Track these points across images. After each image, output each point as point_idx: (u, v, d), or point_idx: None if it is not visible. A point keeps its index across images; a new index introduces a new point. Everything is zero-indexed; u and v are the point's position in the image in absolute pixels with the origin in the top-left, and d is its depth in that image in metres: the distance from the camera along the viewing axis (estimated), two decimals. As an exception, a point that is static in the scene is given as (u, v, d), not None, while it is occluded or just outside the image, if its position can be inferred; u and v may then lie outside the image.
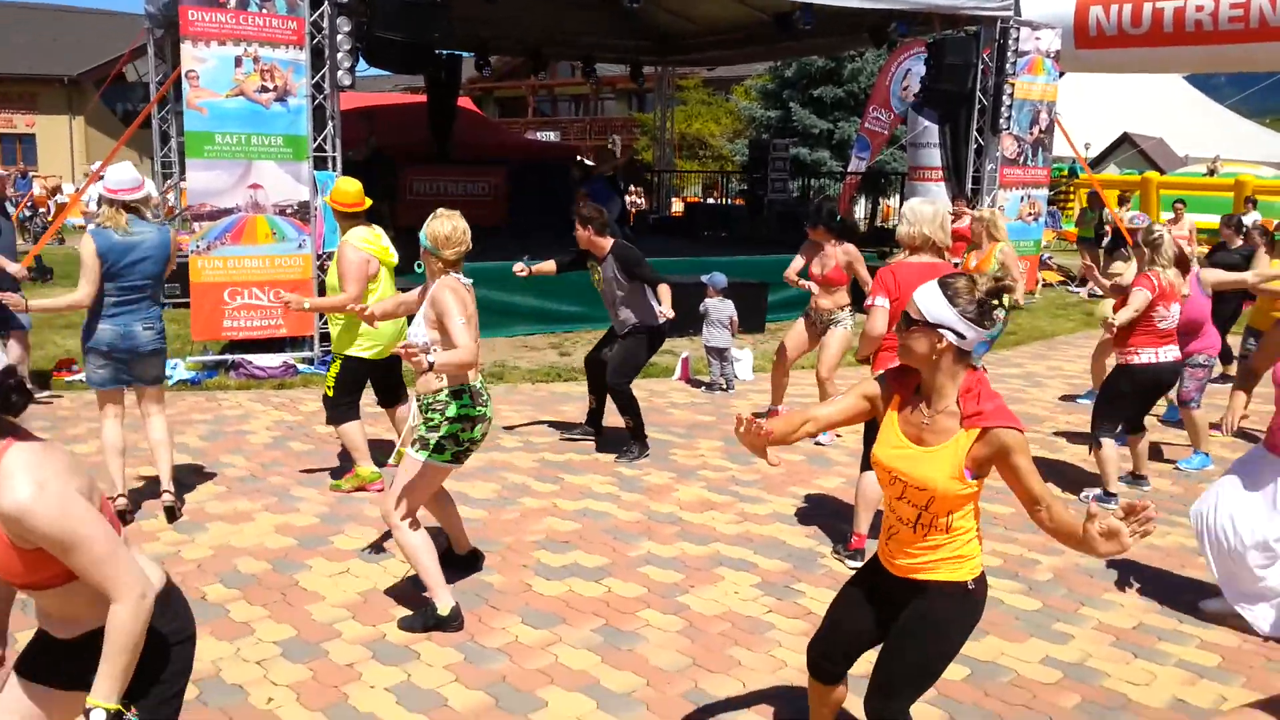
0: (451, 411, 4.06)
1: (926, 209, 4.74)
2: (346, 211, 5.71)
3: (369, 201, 5.82)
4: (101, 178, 5.17)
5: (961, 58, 12.86)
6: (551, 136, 40.29)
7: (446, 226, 4.08)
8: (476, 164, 17.27)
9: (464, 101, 19.60)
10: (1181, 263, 5.78)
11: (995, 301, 2.62)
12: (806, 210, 7.24)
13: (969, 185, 13.42)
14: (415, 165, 16.56)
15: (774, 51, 18.68)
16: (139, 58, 14.32)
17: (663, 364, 9.60)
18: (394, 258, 5.78)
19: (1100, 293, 7.44)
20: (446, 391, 4.08)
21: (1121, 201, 18.92)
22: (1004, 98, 13.03)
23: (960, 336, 2.61)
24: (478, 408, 4.07)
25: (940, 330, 2.61)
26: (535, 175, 17.41)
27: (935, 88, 13.08)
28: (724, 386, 8.77)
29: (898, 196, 21.75)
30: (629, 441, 6.65)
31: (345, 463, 6.24)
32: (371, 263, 5.53)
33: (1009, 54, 12.90)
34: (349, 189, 5.73)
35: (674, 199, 23.73)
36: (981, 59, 12.97)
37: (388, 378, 5.89)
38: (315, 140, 9.06)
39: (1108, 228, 17.16)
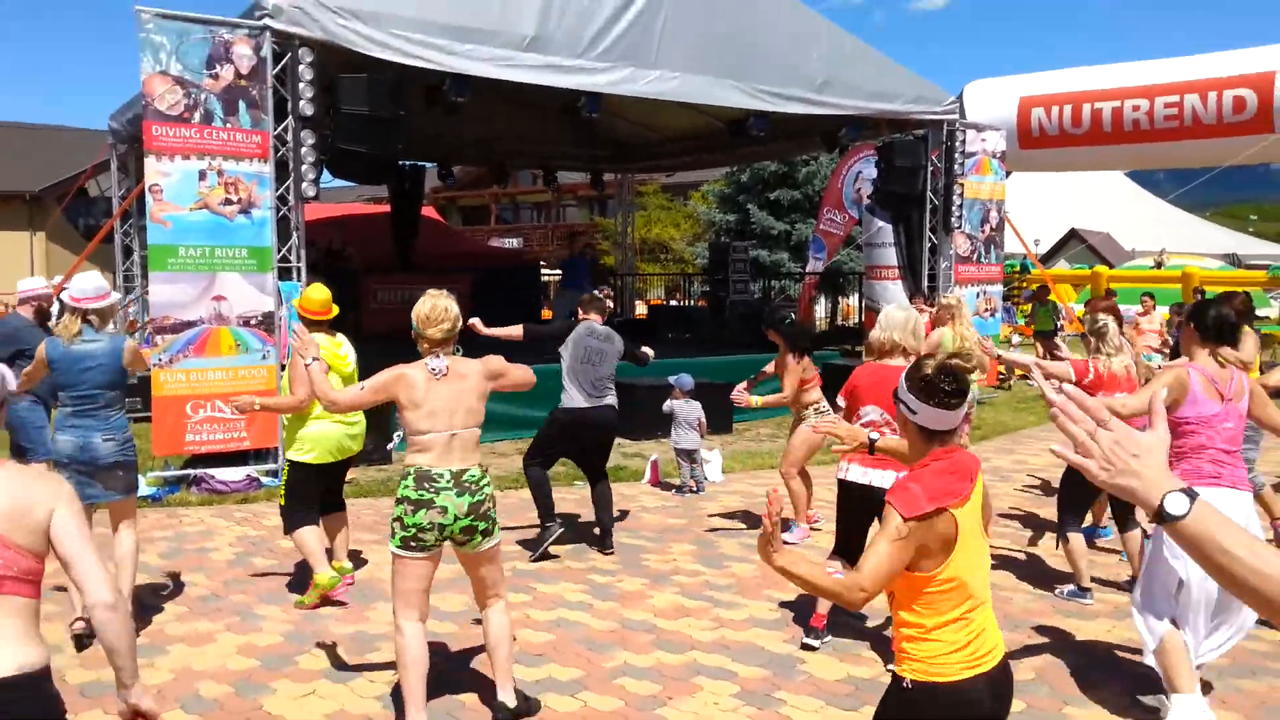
0: (399, 491, 4.03)
1: (898, 315, 4.91)
2: (312, 319, 5.73)
3: (336, 309, 5.84)
4: (65, 289, 5.23)
5: (911, 160, 13.30)
6: (514, 243, 40.82)
7: (426, 305, 4.11)
8: (440, 272, 17.39)
9: (428, 210, 19.89)
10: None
11: (945, 376, 2.66)
12: (763, 312, 7.43)
13: (925, 283, 13.73)
14: (379, 274, 16.66)
15: (730, 157, 19.24)
16: (102, 173, 14.36)
17: (632, 467, 9.55)
18: (349, 366, 5.76)
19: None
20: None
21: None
22: (954, 197, 13.45)
23: (911, 410, 2.68)
24: (421, 492, 3.96)
25: (898, 404, 2.74)
26: (499, 281, 17.58)
27: (887, 189, 13.48)
28: (694, 489, 8.72)
29: (856, 295, 22.17)
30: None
31: (308, 575, 6.09)
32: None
33: (957, 155, 13.37)
34: (316, 296, 5.75)
35: (638, 302, 24.00)
36: (930, 160, 13.43)
37: (330, 485, 5.82)
38: (280, 251, 9.11)
39: (1063, 322, 17.57)
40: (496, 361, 4.29)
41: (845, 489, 4.92)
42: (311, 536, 5.63)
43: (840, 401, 4.84)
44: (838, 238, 18.09)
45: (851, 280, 24.11)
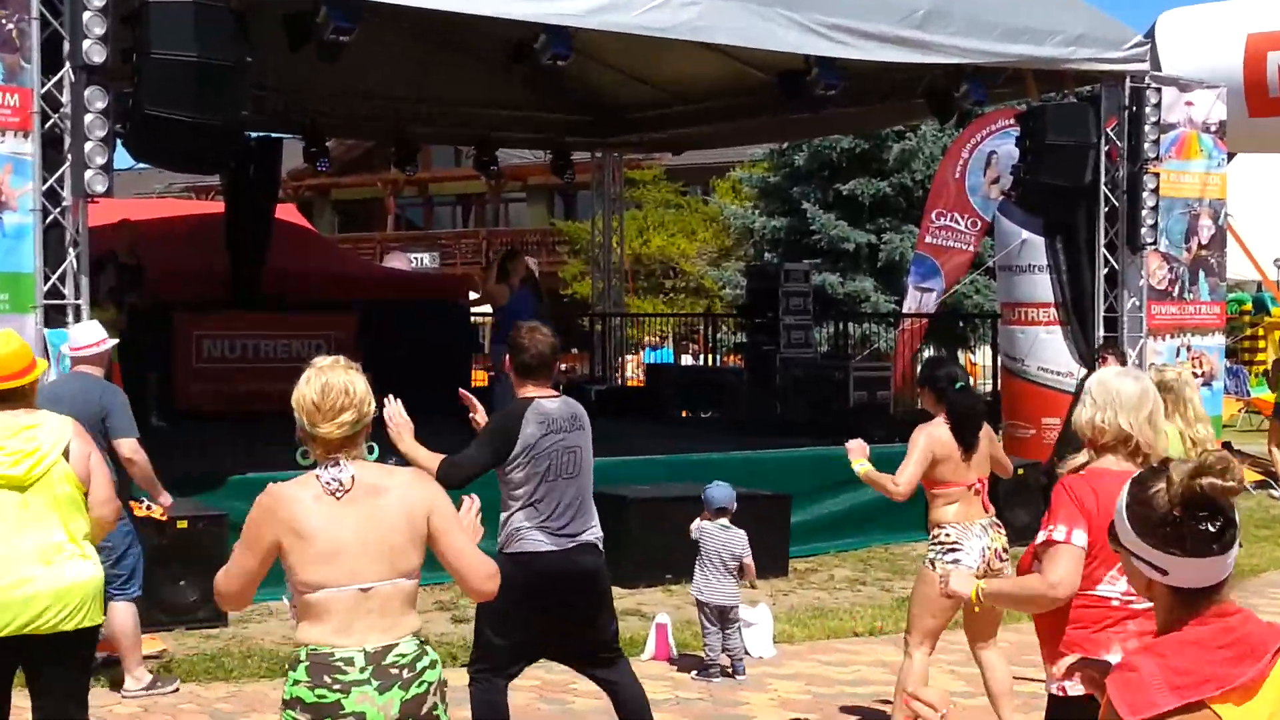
0: (286, 688, 4.06)
1: (1130, 387, 4.75)
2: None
3: (36, 373, 5.69)
4: None
5: (1072, 135, 13.41)
6: (426, 261, 41.12)
7: (314, 385, 4.13)
8: (305, 309, 17.38)
9: (284, 211, 19.94)
10: None
11: (1201, 509, 2.69)
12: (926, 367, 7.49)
13: (1098, 330, 13.75)
14: (204, 315, 16.64)
15: (778, 127, 19.39)
16: None
17: (627, 633, 9.46)
18: (18, 470, 5.55)
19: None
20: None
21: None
22: (1144, 194, 13.57)
23: (1155, 568, 2.73)
24: (319, 690, 3.97)
25: (1122, 551, 2.82)
26: (403, 325, 17.57)
27: (1034, 180, 13.58)
28: (729, 669, 8.64)
29: (987, 348, 22.25)
30: None
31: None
32: None
33: (1147, 127, 13.50)
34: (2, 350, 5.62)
35: (627, 358, 24.06)
36: (1105, 135, 13.55)
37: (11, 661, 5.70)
38: (48, 280, 9.11)
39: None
40: (437, 492, 4.27)
41: (1064, 708, 4.74)
42: None
43: (1076, 536, 4.57)
44: (961, 257, 18.21)
45: (978, 325, 24.22)
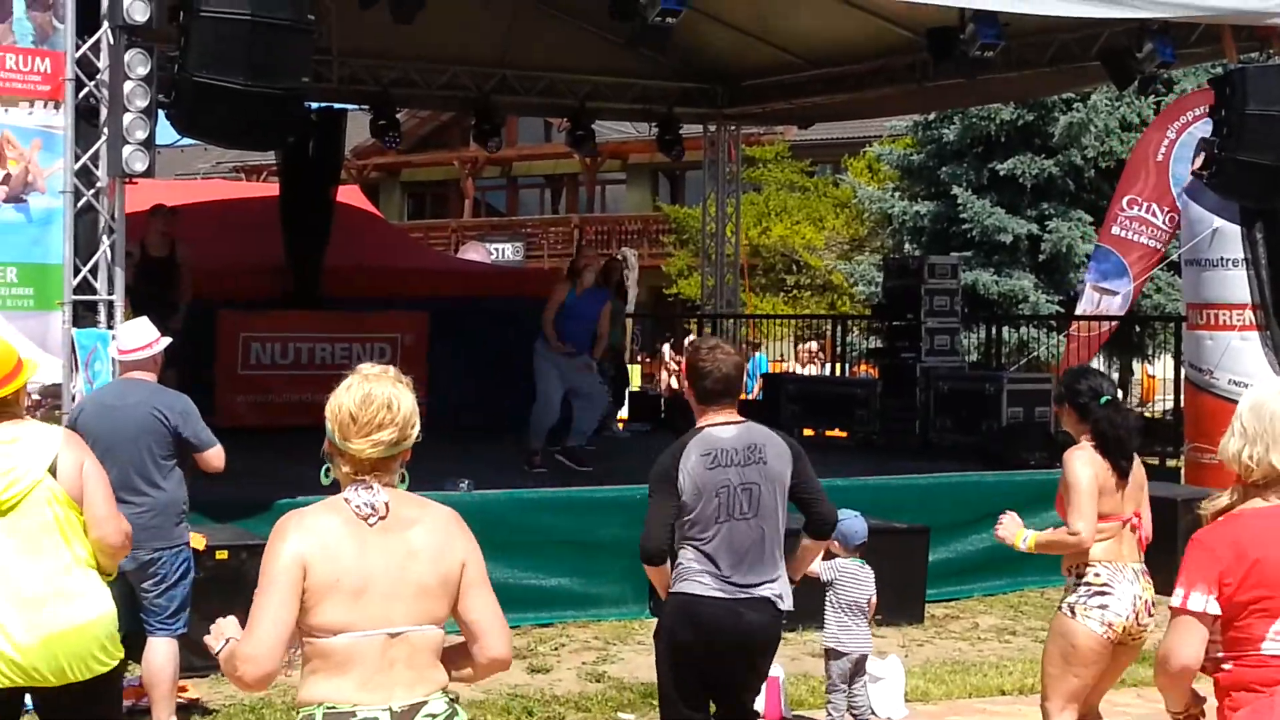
0: None
1: None
2: None
3: (23, 378, 5.66)
4: None
5: (1277, 102, 13.23)
6: (509, 252, 41.34)
7: (355, 394, 4.14)
8: (370, 309, 17.57)
9: (347, 193, 20.19)
10: None
11: None
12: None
13: (1305, 338, 13.61)
14: (251, 314, 16.87)
15: (923, 95, 19.30)
16: None
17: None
18: (12, 494, 5.50)
19: None
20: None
21: None
22: (1367, 176, 13.35)
23: None
24: None
25: None
26: (479, 327, 17.73)
27: (1231, 157, 13.42)
28: (853, 733, 8.65)
29: (1168, 358, 22.00)
30: None
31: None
32: None
33: (1373, 93, 13.28)
34: None
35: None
36: (1318, 103, 13.36)
37: None
38: (78, 272, 9.31)
39: None
40: (473, 542, 4.26)
41: None
42: None
43: (1196, 597, 4.53)
44: (1151, 255, 17.98)
45: (1158, 330, 23.92)
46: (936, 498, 12.53)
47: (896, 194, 27.61)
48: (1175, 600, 4.50)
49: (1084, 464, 6.85)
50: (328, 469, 4.19)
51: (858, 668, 8.68)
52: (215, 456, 7.96)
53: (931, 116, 25.32)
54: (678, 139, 20.26)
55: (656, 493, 6.28)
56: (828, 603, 8.71)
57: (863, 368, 23.77)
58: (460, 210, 47.14)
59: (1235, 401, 14.20)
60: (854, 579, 8.68)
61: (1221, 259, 14.19)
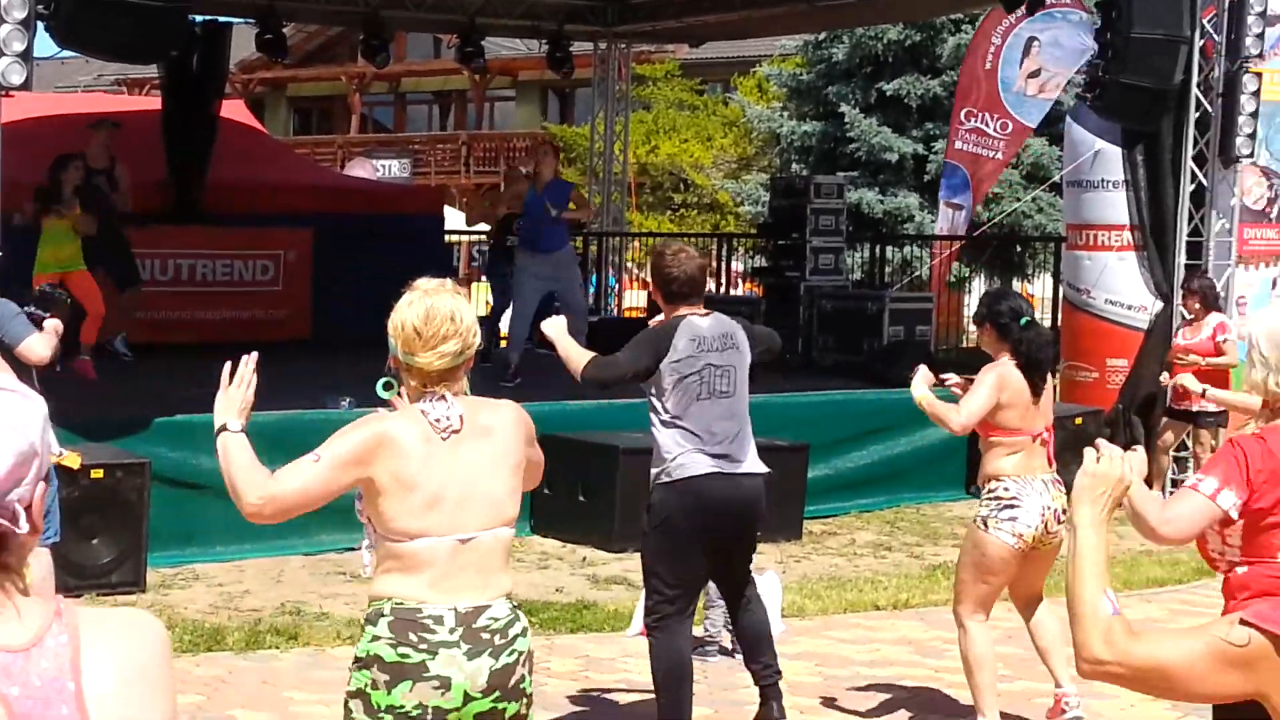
0: (361, 645, 4.21)
1: None
2: None
3: None
4: None
5: (1159, 23, 13.25)
6: (395, 168, 41.02)
7: (418, 309, 4.27)
8: (254, 224, 17.43)
9: (231, 108, 19.95)
10: None
11: None
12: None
13: (1179, 257, 13.79)
14: (134, 229, 16.68)
15: (812, 14, 19.32)
16: None
17: (606, 605, 9.59)
18: None
19: None
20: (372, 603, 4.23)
21: None
22: (1241, 99, 13.53)
23: None
24: (403, 649, 4.11)
25: None
26: (364, 242, 17.64)
27: (1114, 80, 13.50)
28: (728, 648, 8.74)
29: (1047, 277, 22.28)
30: None
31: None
32: None
33: (1249, 19, 13.36)
34: None
35: (627, 284, 24.08)
36: (1199, 27, 13.45)
37: None
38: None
39: None
40: (531, 424, 4.51)
41: None
42: None
43: (1227, 494, 4.61)
44: (990, 165, 18.15)
45: (1038, 250, 24.19)
46: (816, 415, 12.63)
47: (784, 114, 27.63)
48: (1205, 489, 4.64)
49: (995, 373, 7.11)
50: (387, 382, 4.38)
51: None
52: (28, 349, 7.49)
53: (821, 36, 25.35)
54: (568, 56, 20.20)
55: (639, 349, 6.92)
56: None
57: (750, 287, 23.87)
58: (347, 126, 46.81)
59: (1112, 321, 14.45)
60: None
61: (1103, 180, 14.31)
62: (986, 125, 17.75)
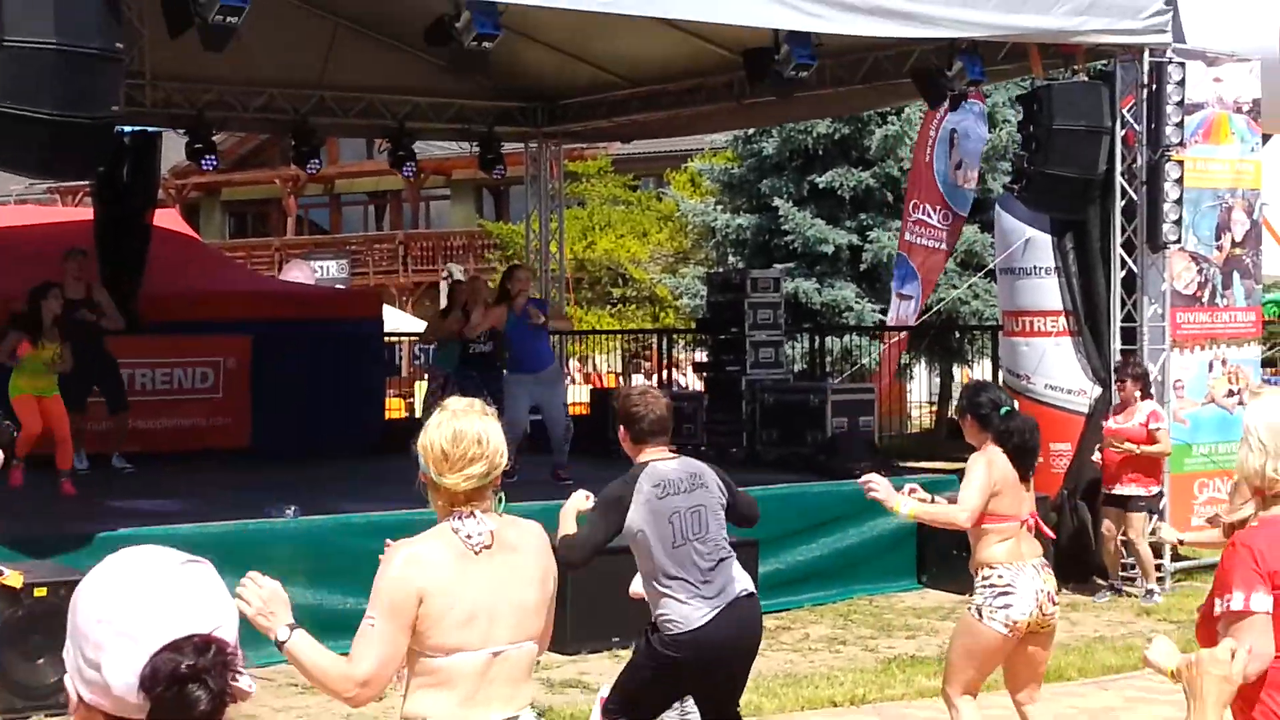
0: None
1: None
2: None
3: None
4: None
5: (1084, 117, 13.53)
6: (333, 269, 40.98)
7: (446, 431, 4.37)
8: (191, 332, 17.34)
9: (164, 216, 19.90)
10: None
11: None
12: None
13: (1113, 342, 13.92)
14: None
15: (741, 112, 19.48)
16: None
17: (564, 710, 9.51)
18: None
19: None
20: None
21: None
22: (1166, 185, 13.67)
23: None
24: None
25: None
26: (303, 347, 17.58)
27: (1041, 171, 13.69)
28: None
29: (987, 363, 22.42)
30: None
31: None
32: None
33: (1168, 108, 13.58)
34: None
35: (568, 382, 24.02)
36: (1120, 117, 13.69)
37: None
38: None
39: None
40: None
41: None
42: None
43: (1258, 599, 4.58)
44: (935, 256, 18.31)
45: (976, 336, 24.36)
46: (764, 509, 12.48)
47: (719, 207, 27.77)
48: (1236, 604, 4.59)
49: (987, 461, 7.25)
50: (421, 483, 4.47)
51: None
52: None
53: (751, 131, 25.53)
54: (499, 157, 20.22)
55: (602, 514, 6.84)
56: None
57: (692, 383, 23.88)
58: (283, 228, 46.76)
59: (1053, 405, 14.57)
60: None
61: (1035, 267, 14.48)
62: (929, 216, 17.93)
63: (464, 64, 12.29)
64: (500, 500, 4.46)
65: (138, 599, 2.33)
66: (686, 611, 6.68)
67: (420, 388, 22.11)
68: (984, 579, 7.14)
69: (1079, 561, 13.10)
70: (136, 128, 17.35)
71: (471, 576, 4.31)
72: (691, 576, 6.72)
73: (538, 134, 20.87)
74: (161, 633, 2.31)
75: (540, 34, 17.04)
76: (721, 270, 23.73)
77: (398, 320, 23.90)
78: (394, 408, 19.01)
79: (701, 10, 11.94)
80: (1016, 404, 8.12)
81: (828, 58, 13.24)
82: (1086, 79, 14.03)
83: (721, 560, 6.81)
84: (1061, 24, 13.24)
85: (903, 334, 19.42)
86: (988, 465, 7.21)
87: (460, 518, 4.35)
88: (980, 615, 7.06)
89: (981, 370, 23.42)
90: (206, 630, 2.33)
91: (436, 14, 11.77)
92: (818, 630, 12.02)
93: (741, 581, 6.88)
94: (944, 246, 18.16)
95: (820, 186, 25.05)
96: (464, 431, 4.35)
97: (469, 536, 4.33)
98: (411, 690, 4.31)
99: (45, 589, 9.13)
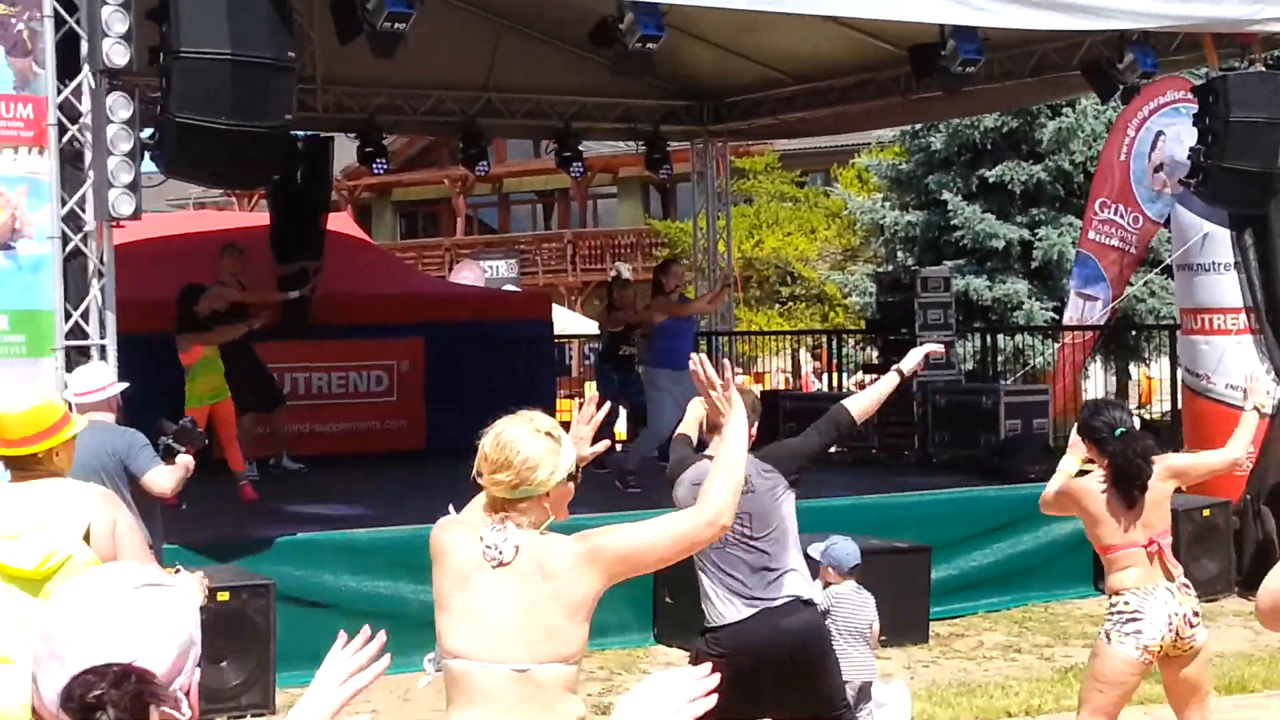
0: None
1: None
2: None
3: (62, 435, 5.67)
4: None
5: (1259, 109, 13.26)
6: (502, 269, 41.35)
7: (492, 433, 4.35)
8: (364, 335, 17.57)
9: (337, 220, 20.18)
10: None
11: None
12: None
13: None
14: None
15: (908, 108, 19.32)
16: None
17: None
18: (24, 560, 5.40)
19: None
20: None
21: None
22: (1354, 180, 13.37)
23: None
24: None
25: None
26: (476, 350, 17.73)
27: (1218, 165, 13.43)
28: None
29: (1165, 361, 21.99)
30: None
31: None
32: None
33: (1358, 98, 13.30)
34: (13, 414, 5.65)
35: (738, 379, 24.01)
36: (1304, 109, 13.38)
37: None
38: (69, 317, 9.32)
39: None
40: (611, 544, 4.33)
41: None
42: None
43: None
44: (1129, 258, 17.98)
45: (1154, 335, 23.92)
46: (937, 514, 12.52)
47: (886, 204, 27.61)
48: None
49: (1066, 479, 7.24)
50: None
51: (862, 694, 8.62)
52: (152, 481, 7.79)
53: (918, 126, 25.34)
54: (665, 156, 20.27)
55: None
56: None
57: (862, 381, 23.74)
58: (453, 228, 47.22)
59: (1233, 406, 14.38)
60: (851, 604, 8.62)
61: (1213, 263, 14.18)
62: (1121, 217, 17.59)
63: (628, 65, 12.29)
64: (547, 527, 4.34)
65: (74, 622, 2.37)
66: (727, 607, 6.66)
67: (590, 388, 22.18)
68: (1112, 606, 7.04)
69: (1263, 567, 12.79)
70: (309, 133, 17.64)
71: (481, 583, 4.23)
72: (736, 579, 6.69)
73: (703, 132, 20.87)
74: (84, 657, 2.35)
75: (704, 32, 17.07)
76: (890, 269, 23.57)
77: (567, 320, 23.98)
78: (565, 408, 19.02)
79: (867, 7, 11.86)
80: (1137, 422, 7.93)
81: (995, 51, 13.10)
82: (1264, 69, 13.69)
83: (767, 568, 6.73)
84: (1236, 13, 13.02)
85: (1087, 335, 19.02)
86: (1065, 483, 7.21)
87: (491, 526, 4.27)
88: (1109, 639, 6.95)
89: (1159, 368, 22.96)
90: (129, 659, 2.34)
91: (600, 15, 11.82)
92: (992, 638, 11.87)
93: (791, 587, 6.77)
94: (1134, 250, 17.81)
95: (990, 181, 24.84)
96: (503, 438, 4.29)
97: (489, 547, 4.23)
98: (448, 706, 4.26)
99: (227, 593, 9.30)
